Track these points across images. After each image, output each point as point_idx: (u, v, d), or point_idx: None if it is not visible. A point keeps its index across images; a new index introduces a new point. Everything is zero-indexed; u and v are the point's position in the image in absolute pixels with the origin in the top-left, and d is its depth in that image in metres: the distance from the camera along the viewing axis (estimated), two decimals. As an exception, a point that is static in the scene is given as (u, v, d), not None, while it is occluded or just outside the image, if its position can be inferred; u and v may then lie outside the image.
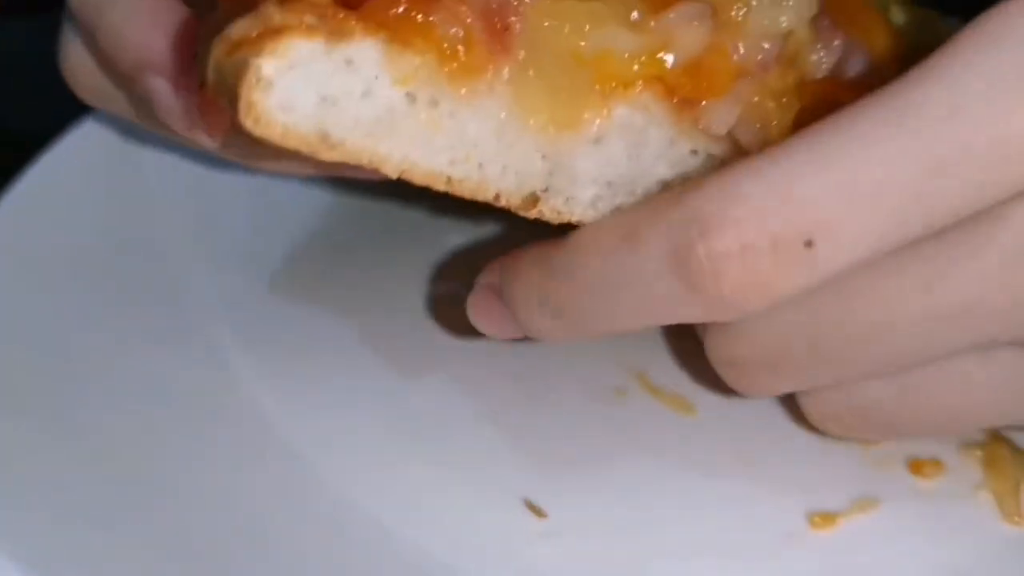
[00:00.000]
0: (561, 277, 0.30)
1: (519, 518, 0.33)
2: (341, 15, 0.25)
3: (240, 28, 0.25)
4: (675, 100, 0.30)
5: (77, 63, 0.35)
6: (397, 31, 0.26)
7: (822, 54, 0.31)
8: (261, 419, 0.35)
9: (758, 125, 0.30)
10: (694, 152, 0.31)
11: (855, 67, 0.32)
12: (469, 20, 0.27)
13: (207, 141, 0.31)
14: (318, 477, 0.34)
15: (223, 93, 0.26)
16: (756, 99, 0.30)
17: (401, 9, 0.26)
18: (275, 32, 0.25)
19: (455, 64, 0.27)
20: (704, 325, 0.31)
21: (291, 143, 0.25)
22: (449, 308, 0.40)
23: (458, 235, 0.43)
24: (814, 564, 0.32)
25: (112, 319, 0.37)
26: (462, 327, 0.38)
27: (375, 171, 0.27)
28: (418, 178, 0.28)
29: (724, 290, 0.27)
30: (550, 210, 0.30)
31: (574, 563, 0.32)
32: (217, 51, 0.26)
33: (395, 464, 0.35)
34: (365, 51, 0.26)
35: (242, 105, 0.25)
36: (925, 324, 0.28)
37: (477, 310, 0.33)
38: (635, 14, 0.29)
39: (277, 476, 0.34)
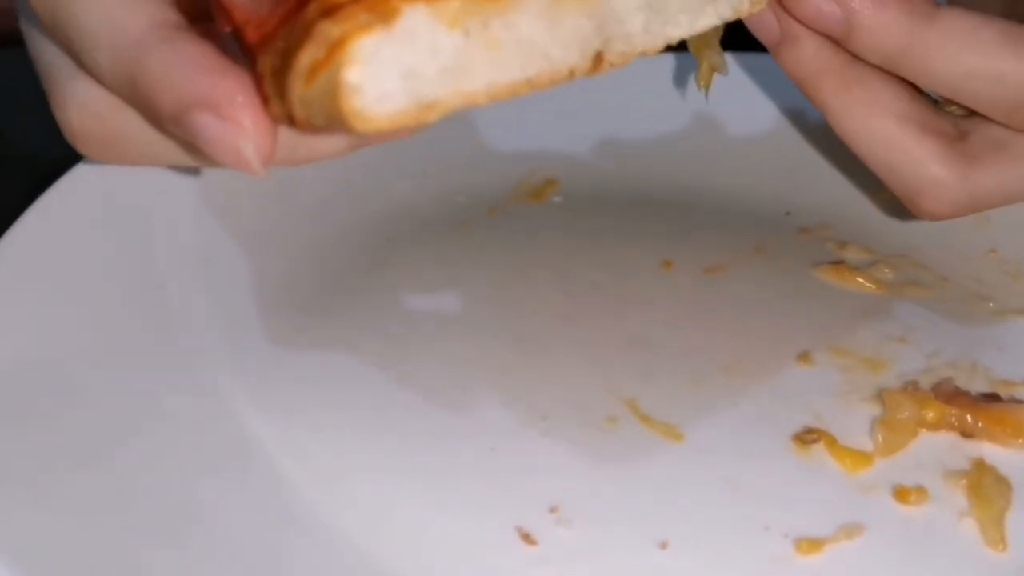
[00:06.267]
0: None
1: (510, 545, 0.33)
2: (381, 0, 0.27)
3: (307, 58, 0.27)
4: None
5: (84, 114, 0.33)
6: None
7: None
8: (253, 441, 0.36)
9: None
10: None
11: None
12: None
13: (258, 168, 0.30)
14: (305, 501, 0.34)
15: (318, 118, 0.28)
16: None
17: None
18: (339, 44, 0.27)
19: None
20: None
21: (399, 123, 0.28)
22: (436, 331, 0.41)
23: (446, 250, 0.45)
24: (800, 590, 0.32)
25: (111, 344, 0.38)
26: (449, 348, 0.39)
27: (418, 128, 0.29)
28: (504, 95, 0.29)
29: None
30: (617, 57, 0.32)
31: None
32: (297, 87, 0.28)
33: (385, 491, 0.35)
34: (415, 18, 0.27)
35: (347, 116, 0.27)
36: None
37: None
38: None
39: (272, 508, 0.34)
